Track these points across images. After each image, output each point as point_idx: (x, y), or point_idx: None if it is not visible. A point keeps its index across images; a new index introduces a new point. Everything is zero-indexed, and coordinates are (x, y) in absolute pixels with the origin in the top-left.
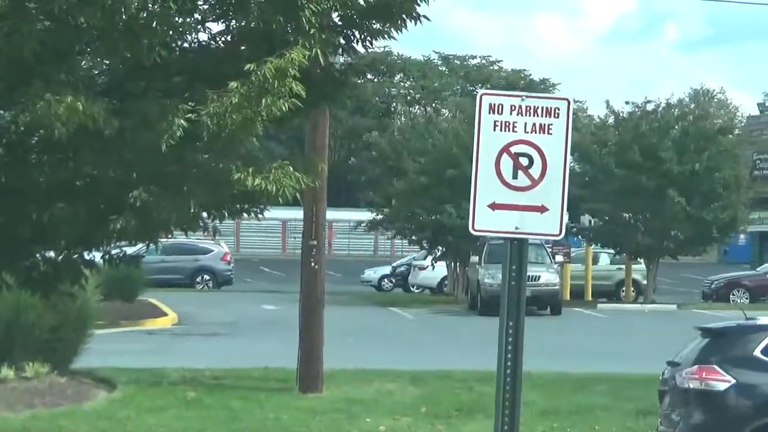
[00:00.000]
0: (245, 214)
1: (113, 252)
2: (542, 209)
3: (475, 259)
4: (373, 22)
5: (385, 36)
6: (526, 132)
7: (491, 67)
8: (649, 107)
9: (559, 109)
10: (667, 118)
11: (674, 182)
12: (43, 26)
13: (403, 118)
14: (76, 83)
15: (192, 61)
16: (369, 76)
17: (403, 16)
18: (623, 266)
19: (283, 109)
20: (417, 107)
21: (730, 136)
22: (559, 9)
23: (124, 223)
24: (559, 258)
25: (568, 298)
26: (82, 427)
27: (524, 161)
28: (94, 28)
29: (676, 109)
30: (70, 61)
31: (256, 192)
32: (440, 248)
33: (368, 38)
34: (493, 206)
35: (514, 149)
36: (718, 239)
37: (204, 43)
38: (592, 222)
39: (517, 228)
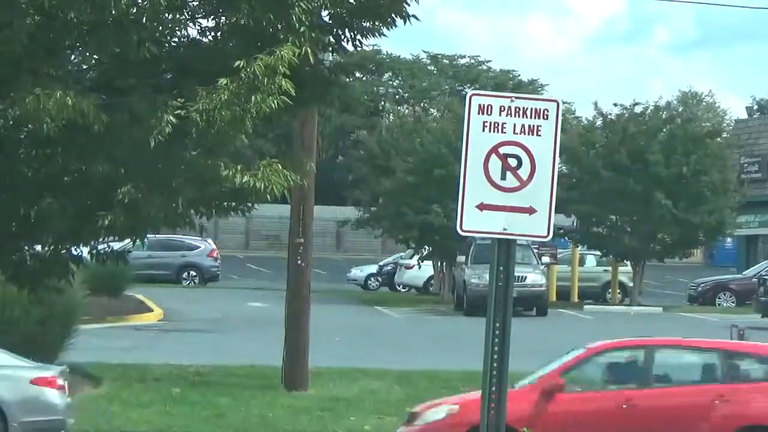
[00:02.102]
0: (232, 213)
1: (100, 247)
2: (530, 210)
3: (461, 258)
4: (363, 20)
5: (375, 34)
6: (515, 133)
7: (480, 68)
8: (637, 109)
9: (548, 111)
10: (655, 121)
11: (661, 185)
12: (33, 21)
13: (391, 117)
14: (66, 78)
15: (181, 57)
16: (357, 75)
17: (393, 14)
18: (609, 268)
19: (273, 106)
20: (405, 106)
21: (718, 139)
22: (548, 10)
23: (113, 219)
24: (545, 259)
25: (554, 299)
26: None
27: (513, 162)
28: (84, 23)
29: (664, 112)
30: (60, 55)
31: (245, 189)
32: (427, 248)
33: (358, 37)
34: (481, 207)
35: (502, 150)
36: (705, 242)
37: (193, 39)
38: (576, 223)
39: (504, 229)
